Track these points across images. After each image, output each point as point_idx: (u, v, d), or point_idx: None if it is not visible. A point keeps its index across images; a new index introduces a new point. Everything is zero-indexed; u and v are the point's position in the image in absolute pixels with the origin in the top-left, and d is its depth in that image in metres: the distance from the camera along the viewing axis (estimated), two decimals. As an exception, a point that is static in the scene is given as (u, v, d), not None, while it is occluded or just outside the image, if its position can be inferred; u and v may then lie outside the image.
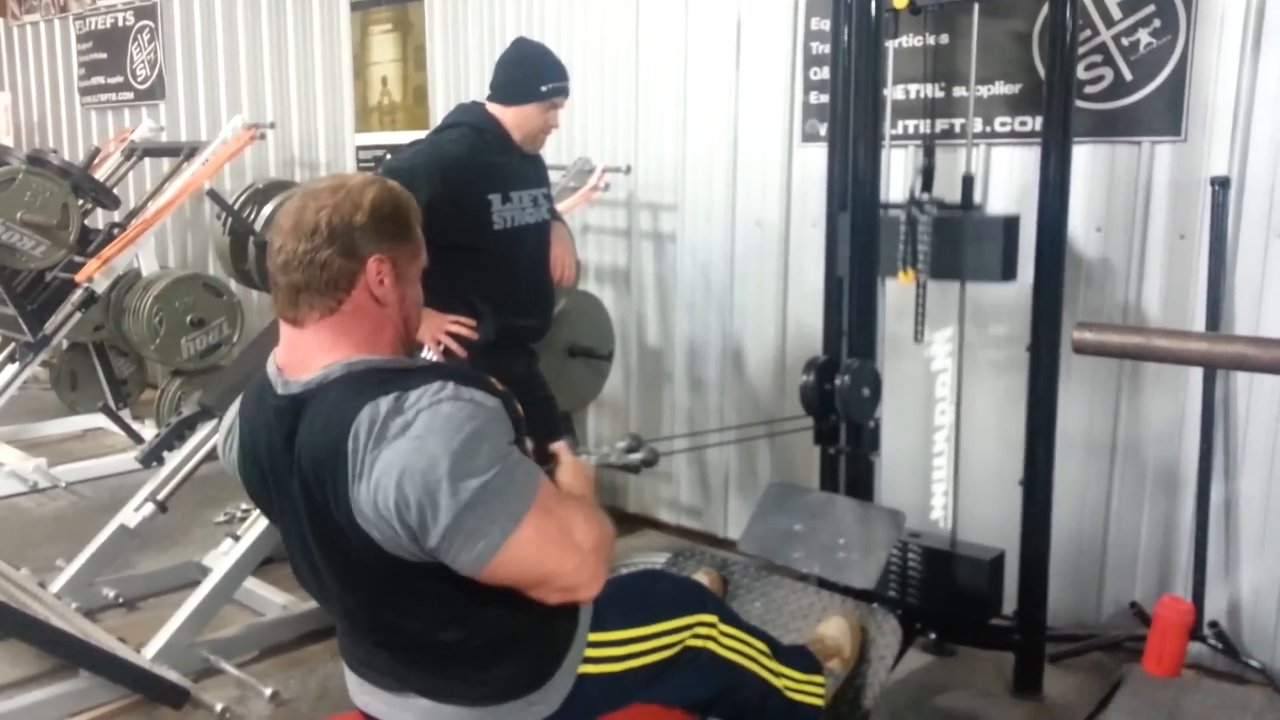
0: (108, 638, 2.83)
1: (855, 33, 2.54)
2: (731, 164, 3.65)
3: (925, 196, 2.69)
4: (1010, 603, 2.78)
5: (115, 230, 4.76)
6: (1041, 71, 2.86)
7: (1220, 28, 2.65)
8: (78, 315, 4.65)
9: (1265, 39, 2.60)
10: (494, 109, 2.79)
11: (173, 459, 3.24)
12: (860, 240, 2.60)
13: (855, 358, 2.59)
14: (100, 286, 4.55)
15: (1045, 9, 2.79)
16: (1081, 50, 2.79)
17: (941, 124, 3.10)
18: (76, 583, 3.16)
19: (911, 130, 3.16)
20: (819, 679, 2.01)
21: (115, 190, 5.11)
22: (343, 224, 1.41)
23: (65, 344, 5.20)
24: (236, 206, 4.42)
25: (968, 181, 2.74)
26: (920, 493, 3.04)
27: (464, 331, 2.71)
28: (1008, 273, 2.68)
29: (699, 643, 1.76)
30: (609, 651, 1.64)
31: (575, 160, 3.86)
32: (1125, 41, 2.79)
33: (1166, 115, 2.75)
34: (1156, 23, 2.74)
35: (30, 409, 5.47)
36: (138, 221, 4.73)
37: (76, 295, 4.57)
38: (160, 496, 3.13)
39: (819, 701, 1.99)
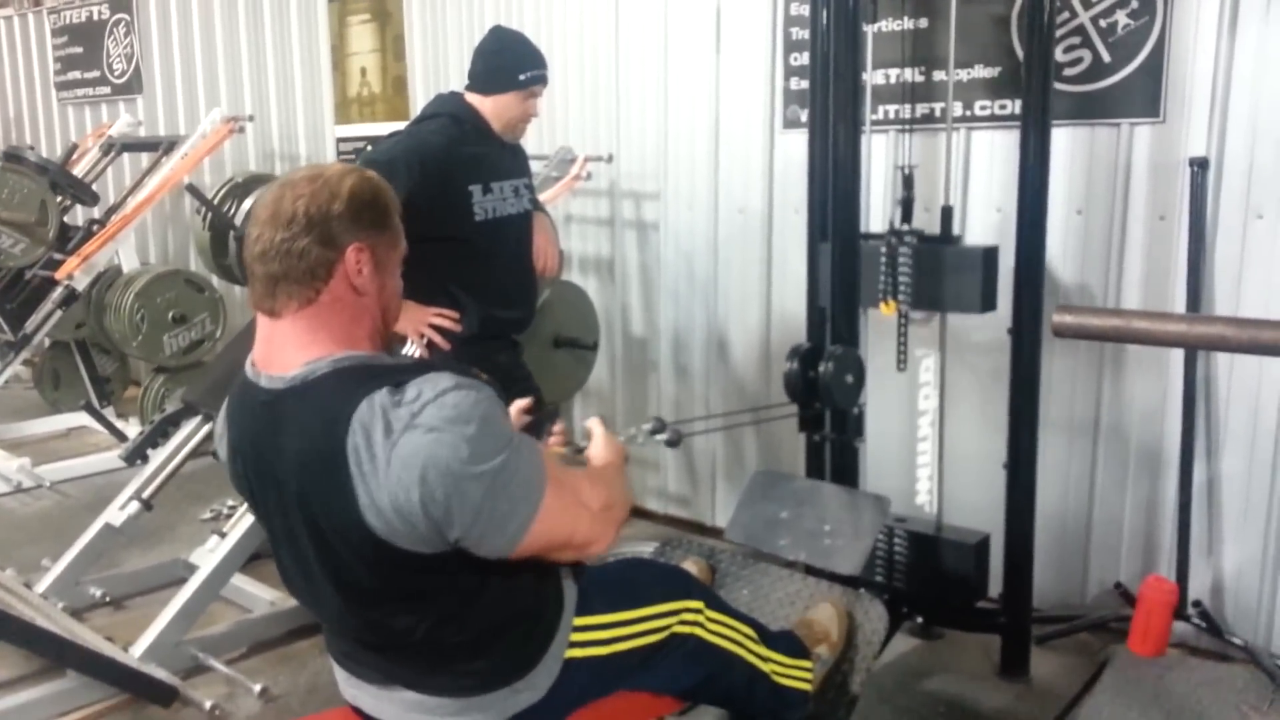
0: (95, 637, 2.82)
1: (834, 17, 2.53)
2: (713, 151, 3.64)
3: (905, 227, 2.69)
4: (996, 585, 2.80)
5: (95, 227, 4.73)
6: (1020, 54, 2.86)
7: (1197, 8, 2.65)
8: (59, 313, 4.62)
9: (1241, 19, 2.60)
10: (473, 99, 2.78)
11: (157, 456, 3.23)
12: (841, 216, 2.59)
13: (839, 344, 2.59)
14: (81, 284, 4.51)
15: (1023, -8, 2.80)
16: (1060, 32, 2.79)
17: (921, 108, 3.10)
18: (62, 582, 3.15)
19: (892, 115, 3.16)
20: (807, 664, 2.01)
21: (94, 186, 5.08)
22: (320, 213, 1.40)
23: (47, 342, 5.16)
24: (216, 201, 4.40)
25: (947, 213, 2.75)
26: (905, 478, 3.05)
27: (446, 324, 2.70)
28: (987, 304, 2.68)
29: (686, 629, 1.77)
30: (595, 635, 1.64)
31: (557, 150, 3.85)
32: (1103, 23, 2.80)
33: (1145, 97, 2.76)
34: (1134, 4, 2.74)
35: (13, 408, 5.45)
36: (117, 218, 4.70)
37: (57, 293, 4.54)
38: (145, 494, 3.12)
39: (807, 686, 2.00)
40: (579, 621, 1.63)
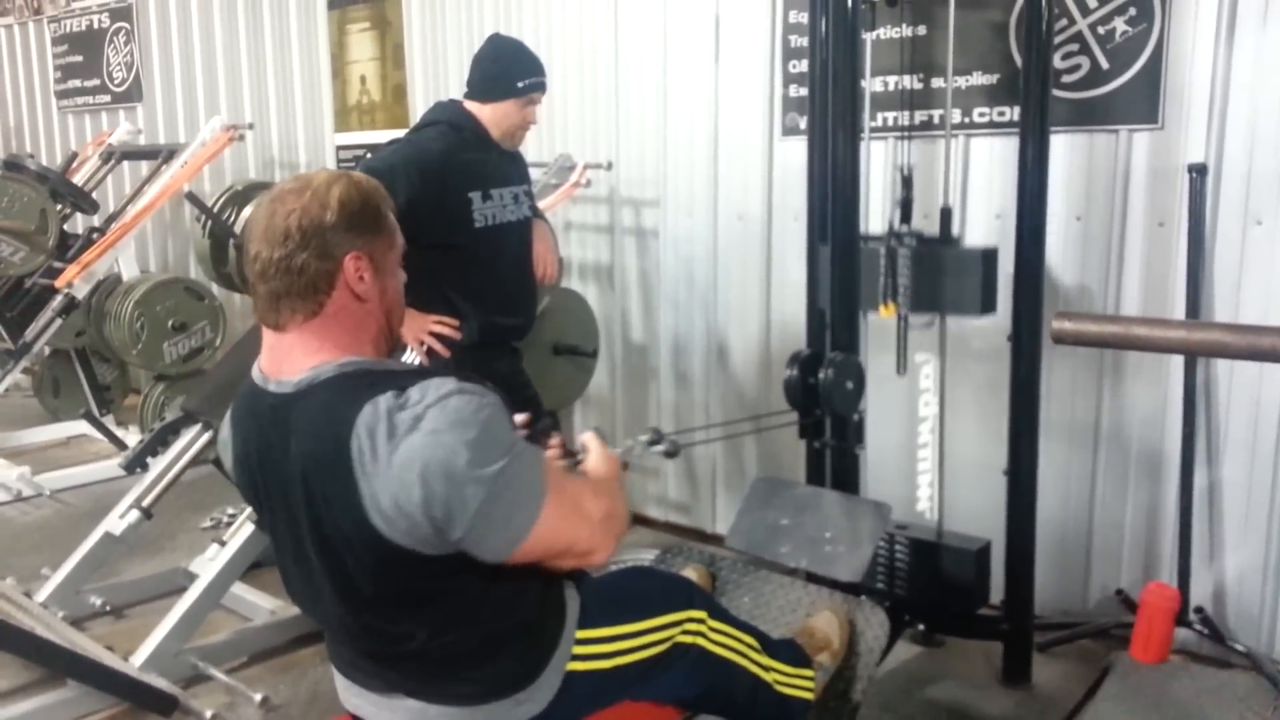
0: (95, 646, 2.81)
1: (833, 25, 2.54)
2: (713, 158, 3.65)
3: (904, 229, 2.69)
4: (998, 592, 2.79)
5: (94, 235, 4.73)
6: (1019, 61, 2.86)
7: (1195, 15, 2.66)
8: (58, 321, 4.62)
9: (1239, 25, 2.61)
10: (471, 106, 2.78)
11: (157, 465, 3.22)
12: (840, 221, 2.58)
13: (839, 350, 2.59)
14: (81, 292, 4.52)
15: (1021, -1, 2.80)
16: (1058, 39, 2.79)
17: (920, 115, 3.10)
18: (63, 591, 3.14)
19: (891, 122, 3.16)
20: (809, 672, 2.01)
21: (94, 194, 5.08)
22: (313, 225, 1.40)
23: (47, 350, 5.16)
24: (216, 209, 4.40)
25: (946, 214, 2.75)
26: (906, 485, 3.04)
27: (447, 331, 2.70)
28: (987, 305, 2.68)
29: (689, 639, 1.76)
30: (597, 649, 1.64)
31: (556, 157, 3.85)
32: (1101, 30, 2.80)
33: (1143, 103, 2.76)
34: (1132, 10, 2.75)
35: (13, 416, 5.45)
36: (117, 226, 4.70)
37: (57, 301, 4.55)
38: (145, 503, 3.11)
39: (809, 695, 1.99)
40: (581, 635, 1.62)
